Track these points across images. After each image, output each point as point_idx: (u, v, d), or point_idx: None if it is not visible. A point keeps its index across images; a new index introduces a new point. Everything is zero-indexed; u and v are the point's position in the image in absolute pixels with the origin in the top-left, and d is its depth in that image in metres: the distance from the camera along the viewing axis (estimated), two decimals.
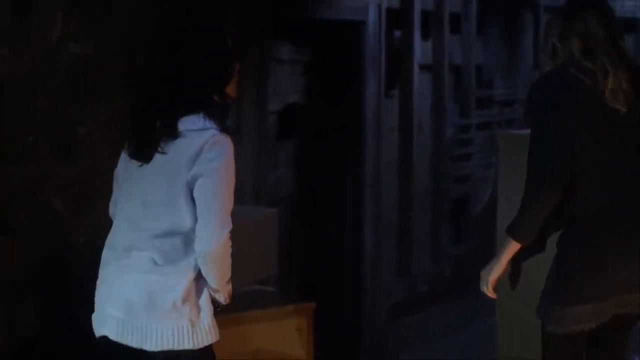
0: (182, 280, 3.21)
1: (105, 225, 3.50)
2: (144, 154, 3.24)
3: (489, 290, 3.75)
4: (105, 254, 3.38)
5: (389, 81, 7.17)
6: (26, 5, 4.50)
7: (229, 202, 3.22)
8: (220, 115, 3.22)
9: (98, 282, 3.38)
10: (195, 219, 3.20)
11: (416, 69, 7.41)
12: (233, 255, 3.33)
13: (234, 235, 3.30)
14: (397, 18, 7.26)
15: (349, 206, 7.00)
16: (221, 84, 3.26)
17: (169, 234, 3.22)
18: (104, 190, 3.60)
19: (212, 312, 3.31)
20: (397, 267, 7.47)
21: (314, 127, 6.83)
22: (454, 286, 7.96)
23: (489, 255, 8.03)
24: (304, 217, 6.85)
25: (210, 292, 3.32)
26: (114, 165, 3.47)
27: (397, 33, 7.32)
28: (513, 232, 3.60)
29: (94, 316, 3.37)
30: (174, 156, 3.17)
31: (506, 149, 5.55)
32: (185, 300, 3.21)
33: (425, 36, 7.61)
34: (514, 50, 8.87)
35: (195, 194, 3.19)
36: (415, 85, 7.41)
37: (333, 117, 6.92)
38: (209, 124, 3.16)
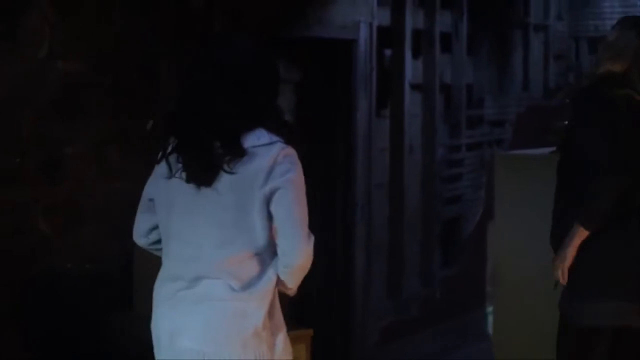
0: (262, 304, 3.08)
1: (94, 248, 3.37)
2: (206, 177, 3.04)
3: (563, 278, 3.92)
4: (165, 286, 3.17)
5: (380, 101, 7.06)
6: (12, 23, 4.39)
7: (307, 212, 3.13)
8: (282, 128, 3.14)
9: (158, 316, 3.18)
10: (268, 238, 3.08)
11: (407, 88, 7.31)
12: None
13: None
14: (388, 36, 7.15)
15: (339, 228, 6.88)
16: (275, 98, 3.17)
17: (243, 257, 3.06)
18: (91, 212, 3.48)
19: (285, 331, 3.20)
20: (387, 290, 7.34)
21: (304, 149, 6.68)
22: (445, 309, 7.84)
23: (480, 277, 8.05)
24: None
25: (281, 287, 3.20)
26: (103, 186, 3.34)
27: (388, 52, 7.21)
28: (584, 221, 3.81)
29: (160, 352, 3.19)
30: (243, 174, 3.01)
31: (503, 170, 5.48)
32: (265, 325, 3.08)
33: (415, 55, 7.52)
34: (504, 70, 8.77)
35: (274, 208, 3.04)
36: (406, 104, 7.30)
37: (323, 138, 6.81)
38: (274, 137, 3.05)
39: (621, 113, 3.88)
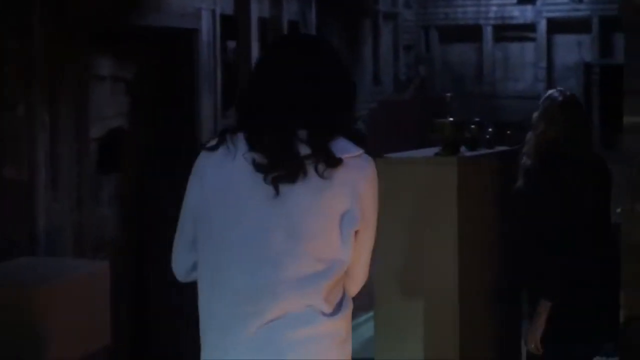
0: (349, 329, 2.76)
1: None
2: (291, 175, 2.63)
3: (538, 349, 4.27)
4: (225, 309, 2.63)
5: (226, 99, 6.20)
6: None
7: None
8: (362, 139, 2.80)
9: (212, 349, 2.65)
10: (345, 255, 2.71)
11: None
12: (58, 324, 2.94)
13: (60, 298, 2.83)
14: (232, 26, 6.31)
15: None
16: (353, 106, 2.85)
17: (328, 275, 2.68)
18: None
19: None
20: None
21: (142, 156, 5.78)
22: None
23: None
24: (132, 264, 5.79)
25: None
26: None
27: (232, 43, 6.36)
28: (549, 296, 4.21)
29: None
30: (334, 181, 2.66)
31: (381, 176, 4.79)
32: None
33: (263, 46, 6.70)
34: (355, 62, 8.10)
35: (352, 227, 2.69)
36: None
37: (163, 144, 5.91)
38: (358, 148, 2.72)
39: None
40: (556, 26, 9.04)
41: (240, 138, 2.62)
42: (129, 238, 5.78)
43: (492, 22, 9.19)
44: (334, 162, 2.64)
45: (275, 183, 2.61)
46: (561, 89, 4.77)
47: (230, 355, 2.61)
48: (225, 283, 2.64)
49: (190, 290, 5.75)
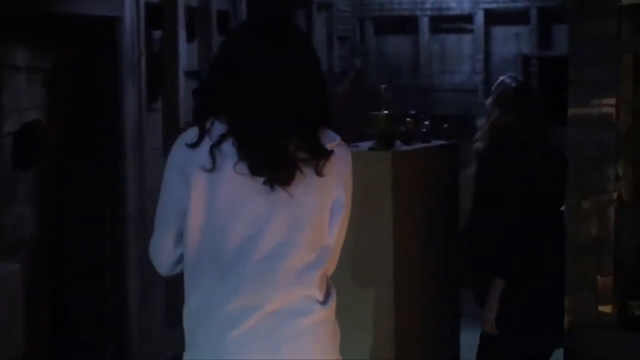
0: (335, 315, 2.82)
1: None
2: (287, 178, 2.66)
3: (493, 329, 4.38)
4: (225, 304, 2.62)
5: (151, 92, 5.91)
6: None
7: None
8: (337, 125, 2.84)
9: (211, 344, 2.64)
10: (332, 241, 2.82)
11: (182, 76, 6.19)
12: None
13: None
14: (157, 15, 6.01)
15: (108, 249, 5.70)
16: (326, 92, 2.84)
17: (321, 262, 2.75)
18: None
19: None
20: (168, 319, 6.23)
21: (61, 152, 5.48)
22: None
23: None
24: (51, 268, 5.49)
25: None
26: None
27: (158, 33, 6.07)
28: (503, 274, 4.35)
29: None
30: (325, 172, 2.72)
31: None
32: None
33: (190, 38, 6.42)
34: None
35: (339, 214, 2.81)
36: (181, 96, 6.18)
37: (84, 138, 5.61)
38: (337, 136, 2.77)
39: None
40: (494, 17, 8.86)
41: (228, 143, 2.61)
42: (48, 237, 5.47)
43: (428, 13, 8.99)
44: (327, 155, 2.67)
45: (273, 184, 2.62)
46: (512, 74, 4.82)
47: (231, 348, 2.61)
48: (224, 278, 2.61)
49: (109, 296, 5.47)
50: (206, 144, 2.62)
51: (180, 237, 2.68)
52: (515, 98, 4.48)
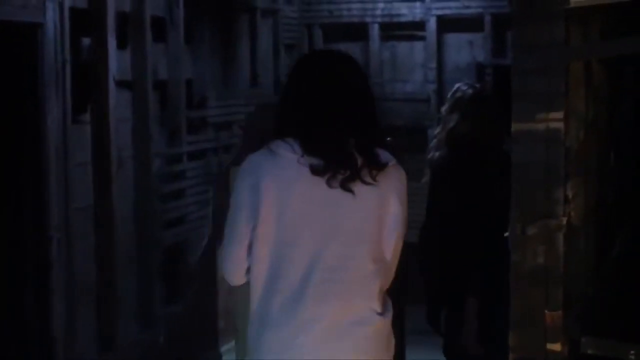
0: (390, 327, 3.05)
1: None
2: (350, 186, 2.93)
3: (477, 350, 4.32)
4: (289, 313, 2.87)
5: (78, 102, 5.58)
6: None
7: None
8: (392, 149, 3.12)
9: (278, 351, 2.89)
10: (390, 255, 3.05)
11: (112, 85, 5.86)
12: None
13: None
14: (85, 21, 5.68)
15: (30, 268, 5.36)
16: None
17: (380, 275, 2.99)
18: None
19: None
20: (98, 341, 5.90)
21: None
22: (172, 354, 6.56)
23: (211, 312, 7.47)
24: None
25: None
26: None
27: (86, 40, 5.73)
28: (477, 294, 4.29)
29: None
30: (382, 187, 2.97)
31: None
32: None
33: (122, 45, 6.08)
34: (229, 62, 7.53)
35: (396, 230, 3.03)
36: (111, 106, 5.86)
37: (3, 154, 5.26)
38: (393, 157, 3.03)
39: None
40: (447, 24, 8.57)
41: (290, 143, 2.86)
42: None
43: (379, 19, 8.68)
44: (382, 166, 2.92)
45: (336, 184, 2.87)
46: (469, 82, 4.72)
47: (297, 352, 2.85)
48: (287, 288, 2.88)
49: (32, 318, 5.12)
50: (270, 154, 2.88)
51: (250, 246, 2.92)
52: (473, 105, 4.41)
